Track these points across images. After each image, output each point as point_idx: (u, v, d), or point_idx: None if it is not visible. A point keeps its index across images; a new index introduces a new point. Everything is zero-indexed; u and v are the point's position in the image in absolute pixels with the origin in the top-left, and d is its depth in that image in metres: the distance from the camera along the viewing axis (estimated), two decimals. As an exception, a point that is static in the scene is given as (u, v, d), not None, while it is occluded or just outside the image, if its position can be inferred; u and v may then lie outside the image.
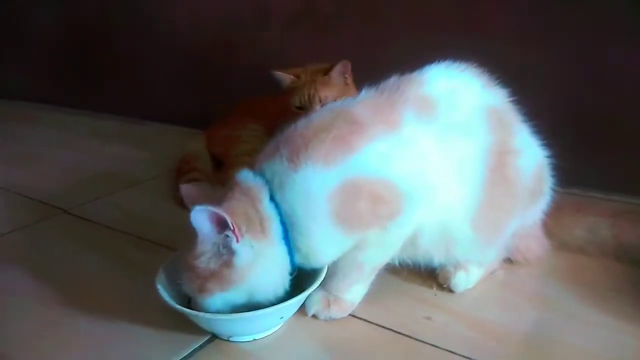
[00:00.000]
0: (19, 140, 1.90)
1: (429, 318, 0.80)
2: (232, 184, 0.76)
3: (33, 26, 2.35)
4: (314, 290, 0.77)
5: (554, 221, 0.95)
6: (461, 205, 0.80)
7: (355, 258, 0.78)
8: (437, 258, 0.85)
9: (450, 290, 0.86)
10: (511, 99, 0.88)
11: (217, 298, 0.72)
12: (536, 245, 0.93)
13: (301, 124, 0.77)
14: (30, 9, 2.33)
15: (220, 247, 0.71)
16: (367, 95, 0.81)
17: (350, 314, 0.81)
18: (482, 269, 0.88)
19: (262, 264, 0.72)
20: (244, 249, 0.70)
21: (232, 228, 0.69)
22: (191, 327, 0.76)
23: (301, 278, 0.77)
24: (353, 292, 0.81)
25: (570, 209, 0.98)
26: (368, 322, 0.80)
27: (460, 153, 0.79)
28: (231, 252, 0.70)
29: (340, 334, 0.78)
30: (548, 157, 0.90)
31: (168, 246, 0.99)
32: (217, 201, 0.72)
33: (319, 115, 0.80)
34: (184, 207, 1.19)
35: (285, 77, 1.20)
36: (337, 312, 0.80)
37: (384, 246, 0.79)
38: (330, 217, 0.72)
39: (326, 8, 1.53)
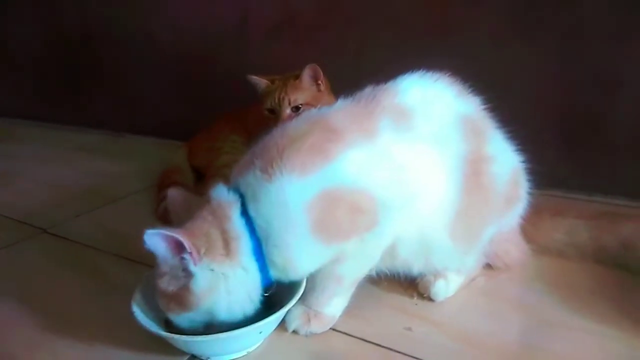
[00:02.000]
0: (1, 158, 1.87)
1: (409, 329, 0.80)
2: (205, 200, 0.75)
3: (15, 42, 2.34)
4: (293, 306, 0.76)
5: (532, 225, 0.95)
6: (439, 214, 0.80)
7: (334, 271, 0.77)
8: (417, 267, 0.85)
9: (431, 299, 0.86)
10: (485, 106, 0.88)
11: (182, 317, 0.72)
12: (515, 249, 0.94)
13: (276, 133, 0.76)
14: (12, 25, 2.32)
15: (179, 270, 0.70)
16: (344, 104, 0.81)
17: (331, 328, 0.80)
18: (462, 276, 0.88)
19: (224, 287, 0.71)
20: (203, 272, 0.69)
21: (189, 251, 0.68)
22: (170, 348, 0.75)
23: (279, 294, 0.77)
24: (333, 305, 0.80)
25: (549, 211, 0.98)
26: (349, 335, 0.79)
27: (436, 162, 0.79)
28: (190, 275, 0.69)
29: (321, 349, 0.77)
30: (525, 161, 0.91)
31: (148, 264, 0.97)
32: (187, 219, 0.72)
33: (294, 124, 0.79)
34: (166, 223, 1.19)
35: (260, 81, 1.22)
36: (317, 326, 0.79)
37: (363, 258, 0.78)
38: (308, 228, 0.70)
39: (305, 18, 1.54)
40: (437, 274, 0.86)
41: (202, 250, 0.69)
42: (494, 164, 0.83)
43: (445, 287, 0.86)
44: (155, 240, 0.68)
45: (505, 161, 0.87)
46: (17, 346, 0.82)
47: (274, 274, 0.74)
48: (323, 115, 0.79)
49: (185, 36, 1.80)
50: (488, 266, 0.93)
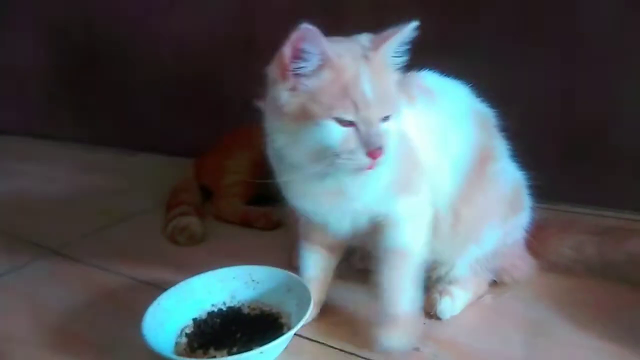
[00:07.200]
0: (9, 176, 1.89)
1: (417, 349, 0.79)
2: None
3: (23, 61, 2.37)
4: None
5: (539, 241, 0.95)
6: (446, 194, 0.82)
7: (396, 244, 0.78)
8: None
9: (438, 318, 0.86)
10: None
11: None
12: (523, 263, 0.94)
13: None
14: (20, 44, 2.36)
15: None
16: None
17: (331, 346, 0.80)
18: (468, 293, 0.89)
19: None
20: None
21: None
22: (179, 371, 0.75)
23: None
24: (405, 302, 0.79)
25: (555, 227, 0.98)
26: (356, 355, 0.79)
27: (451, 141, 0.83)
28: None
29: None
30: (527, 175, 0.92)
31: (158, 285, 0.98)
32: None
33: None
34: (175, 242, 1.20)
35: None
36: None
37: (417, 219, 0.79)
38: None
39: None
40: (442, 291, 0.87)
41: None
42: (499, 163, 0.87)
43: (451, 305, 0.86)
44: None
45: (508, 165, 0.90)
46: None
47: None
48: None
49: (191, 55, 1.82)
50: (494, 284, 0.93)
